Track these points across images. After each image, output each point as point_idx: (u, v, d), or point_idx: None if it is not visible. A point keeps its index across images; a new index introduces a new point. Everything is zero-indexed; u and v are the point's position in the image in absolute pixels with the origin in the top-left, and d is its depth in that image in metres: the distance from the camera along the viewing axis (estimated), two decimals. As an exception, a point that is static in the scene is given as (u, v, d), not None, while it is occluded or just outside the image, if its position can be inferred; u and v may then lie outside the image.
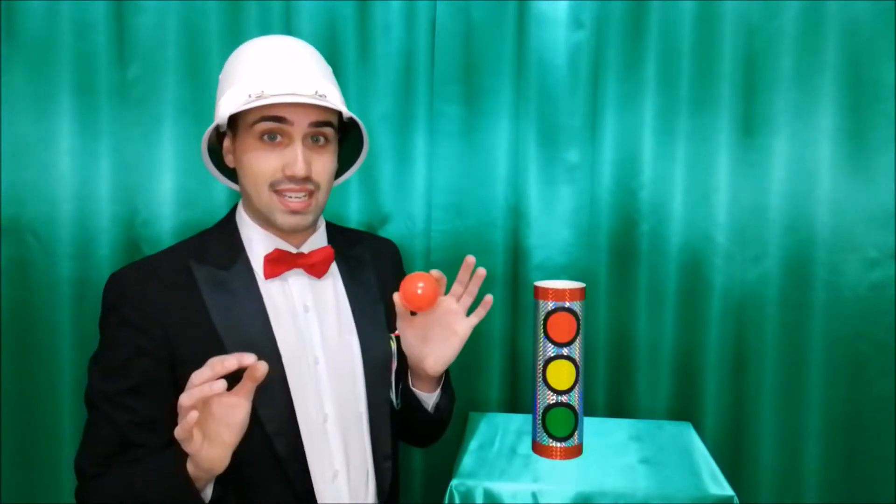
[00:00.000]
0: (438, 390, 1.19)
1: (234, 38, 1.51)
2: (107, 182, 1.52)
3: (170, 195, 1.53)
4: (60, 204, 1.51)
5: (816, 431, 1.52)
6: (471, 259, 1.09)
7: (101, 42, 1.50)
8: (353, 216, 1.56)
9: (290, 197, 1.04)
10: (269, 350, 1.03)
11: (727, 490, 1.10)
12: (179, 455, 0.90)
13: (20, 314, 1.52)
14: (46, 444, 1.54)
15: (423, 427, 1.23)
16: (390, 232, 1.56)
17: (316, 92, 1.02)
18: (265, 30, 1.51)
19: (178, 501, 0.92)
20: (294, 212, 1.04)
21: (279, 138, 1.03)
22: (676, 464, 1.21)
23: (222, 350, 1.00)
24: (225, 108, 1.04)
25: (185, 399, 0.83)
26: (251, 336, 1.03)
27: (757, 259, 1.53)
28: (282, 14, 1.52)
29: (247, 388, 0.88)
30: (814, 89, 1.49)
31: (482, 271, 1.09)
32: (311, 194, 1.05)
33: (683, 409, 1.54)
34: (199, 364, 0.87)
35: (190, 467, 0.91)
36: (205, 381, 0.83)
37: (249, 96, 1.00)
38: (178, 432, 0.84)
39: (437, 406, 1.19)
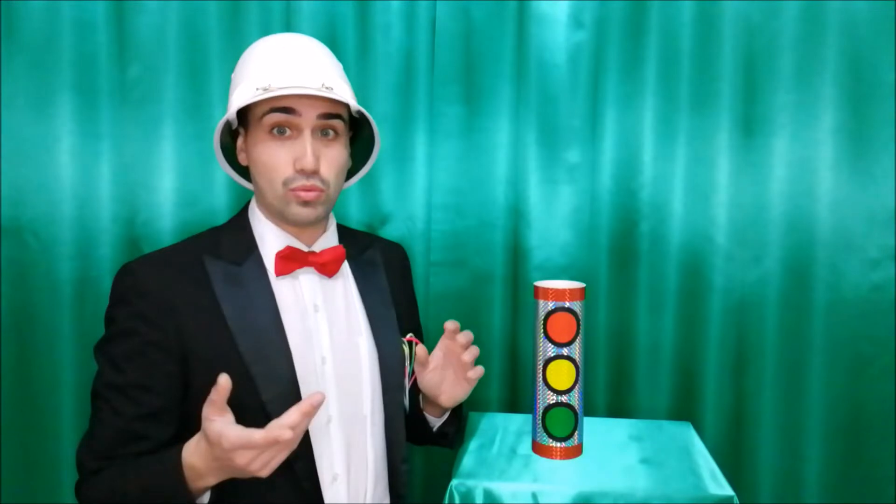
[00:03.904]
0: (445, 416, 1.24)
1: (234, 38, 1.52)
2: (107, 182, 1.52)
3: (170, 195, 1.53)
4: (60, 204, 1.51)
5: (817, 431, 1.52)
6: (450, 324, 1.11)
7: (101, 42, 1.50)
8: (354, 216, 1.56)
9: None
10: (279, 347, 1.04)
11: (727, 490, 1.10)
12: (177, 455, 0.91)
13: (20, 314, 1.52)
14: (46, 444, 1.53)
15: (423, 440, 1.28)
16: (390, 232, 1.56)
17: (322, 84, 1.03)
18: (265, 30, 1.51)
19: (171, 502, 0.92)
20: (306, 203, 1.04)
21: (288, 131, 1.04)
22: (676, 464, 1.21)
23: (234, 345, 1.01)
24: (234, 103, 1.05)
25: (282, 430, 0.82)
26: (263, 332, 1.04)
27: (757, 259, 1.52)
28: (282, 14, 1.52)
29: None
30: (814, 89, 1.49)
31: (475, 350, 1.12)
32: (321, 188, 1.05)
33: (683, 409, 1.54)
34: (210, 358, 0.99)
35: (196, 468, 0.90)
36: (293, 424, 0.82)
37: (257, 90, 1.02)
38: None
39: (444, 433, 1.24)
